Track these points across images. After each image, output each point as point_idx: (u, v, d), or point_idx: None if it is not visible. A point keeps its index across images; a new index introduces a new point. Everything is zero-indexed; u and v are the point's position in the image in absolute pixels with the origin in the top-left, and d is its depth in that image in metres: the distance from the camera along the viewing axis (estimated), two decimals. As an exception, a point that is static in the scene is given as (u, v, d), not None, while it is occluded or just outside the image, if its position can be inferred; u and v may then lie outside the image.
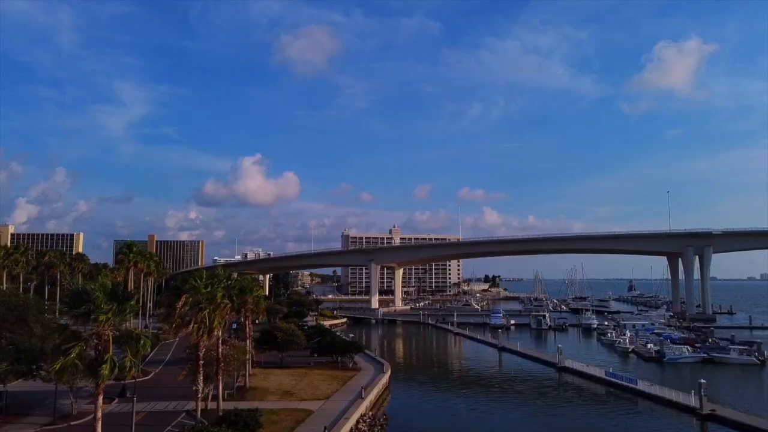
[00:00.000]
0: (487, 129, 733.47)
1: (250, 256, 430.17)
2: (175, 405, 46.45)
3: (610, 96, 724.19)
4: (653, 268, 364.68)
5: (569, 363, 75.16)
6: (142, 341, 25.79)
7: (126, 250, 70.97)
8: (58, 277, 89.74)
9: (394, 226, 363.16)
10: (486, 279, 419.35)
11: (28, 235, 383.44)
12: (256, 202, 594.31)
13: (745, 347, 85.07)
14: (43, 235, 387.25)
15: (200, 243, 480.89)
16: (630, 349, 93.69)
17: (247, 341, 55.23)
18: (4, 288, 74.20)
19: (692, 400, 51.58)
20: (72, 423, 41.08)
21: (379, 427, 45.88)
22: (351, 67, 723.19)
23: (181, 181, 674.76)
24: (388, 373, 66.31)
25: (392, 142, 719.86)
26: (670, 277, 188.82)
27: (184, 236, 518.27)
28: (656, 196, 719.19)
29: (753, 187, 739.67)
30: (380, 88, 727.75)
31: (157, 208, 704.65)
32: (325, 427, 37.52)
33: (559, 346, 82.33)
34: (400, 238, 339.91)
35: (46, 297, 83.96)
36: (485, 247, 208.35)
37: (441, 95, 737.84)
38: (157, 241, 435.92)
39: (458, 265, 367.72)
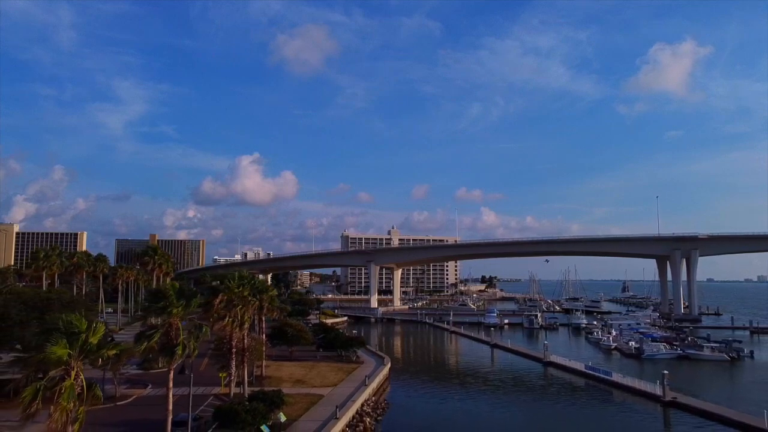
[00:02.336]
0: (486, 129, 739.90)
1: (250, 255, 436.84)
2: (202, 390, 53.06)
3: (609, 97, 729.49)
4: (645, 270, 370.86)
5: (554, 358, 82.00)
6: (203, 329, 32.27)
7: (152, 252, 77.55)
8: (84, 276, 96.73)
9: (392, 227, 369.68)
10: (483, 280, 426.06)
11: (33, 233, 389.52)
12: (254, 201, 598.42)
13: (717, 345, 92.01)
14: (46, 233, 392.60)
15: (201, 242, 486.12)
16: (613, 347, 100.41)
17: (263, 336, 61.83)
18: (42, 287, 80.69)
19: (657, 390, 58.25)
20: (118, 404, 47.73)
21: (380, 410, 52.64)
22: (350, 67, 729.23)
23: (178, 180, 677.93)
24: (388, 365, 73.07)
25: (391, 142, 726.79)
26: (659, 278, 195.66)
27: (182, 235, 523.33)
28: (655, 198, 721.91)
29: (752, 189, 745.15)
30: (380, 88, 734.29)
31: (154, 207, 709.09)
32: (336, 406, 44.24)
33: (546, 342, 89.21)
34: (399, 239, 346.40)
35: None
36: (482, 249, 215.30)
37: (440, 95, 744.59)
38: (158, 241, 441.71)
39: (455, 266, 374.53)
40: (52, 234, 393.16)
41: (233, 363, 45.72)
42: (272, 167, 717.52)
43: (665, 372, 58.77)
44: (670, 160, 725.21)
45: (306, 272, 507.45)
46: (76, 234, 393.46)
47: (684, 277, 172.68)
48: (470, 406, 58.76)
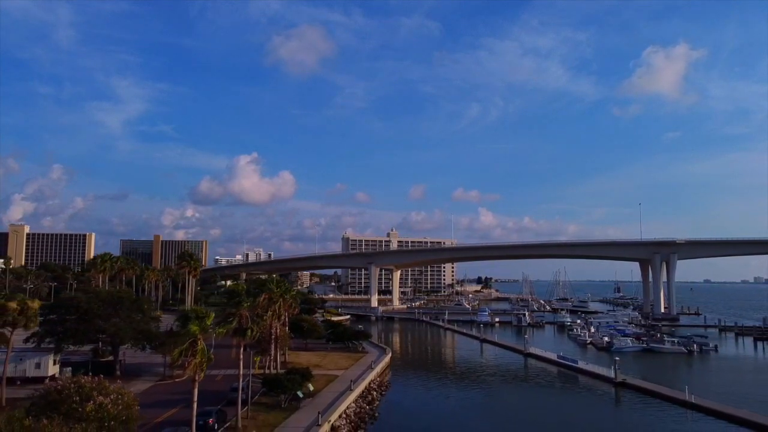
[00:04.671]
0: (485, 130, 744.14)
1: (251, 255, 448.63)
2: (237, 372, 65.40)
3: (608, 98, 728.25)
4: (633, 272, 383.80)
5: (533, 350, 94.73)
6: (264, 318, 44.34)
7: (188, 258, 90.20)
8: (123, 278, 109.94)
9: (392, 230, 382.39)
10: (479, 281, 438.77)
11: (43, 234, 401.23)
12: (252, 200, 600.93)
13: (676, 340, 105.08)
14: (56, 234, 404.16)
15: (203, 243, 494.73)
16: (588, 341, 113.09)
17: (286, 328, 74.11)
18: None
19: (611, 373, 70.77)
20: (176, 380, 60.10)
21: (384, 387, 65.19)
22: (350, 67, 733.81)
23: (176, 180, 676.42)
24: (389, 355, 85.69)
25: (389, 142, 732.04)
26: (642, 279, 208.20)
27: (180, 234, 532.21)
28: (653, 198, 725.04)
29: (751, 190, 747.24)
30: (379, 88, 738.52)
31: (152, 206, 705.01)
32: (351, 381, 56.72)
33: (526, 336, 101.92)
34: (398, 241, 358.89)
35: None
36: (477, 252, 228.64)
37: (439, 96, 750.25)
38: (161, 241, 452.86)
39: (452, 268, 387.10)
40: (61, 235, 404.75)
41: (272, 347, 58.05)
42: (270, 167, 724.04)
43: (617, 359, 71.72)
44: (669, 161, 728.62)
45: (306, 273, 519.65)
46: (84, 235, 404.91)
47: (666, 278, 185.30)
48: (460, 387, 71.40)
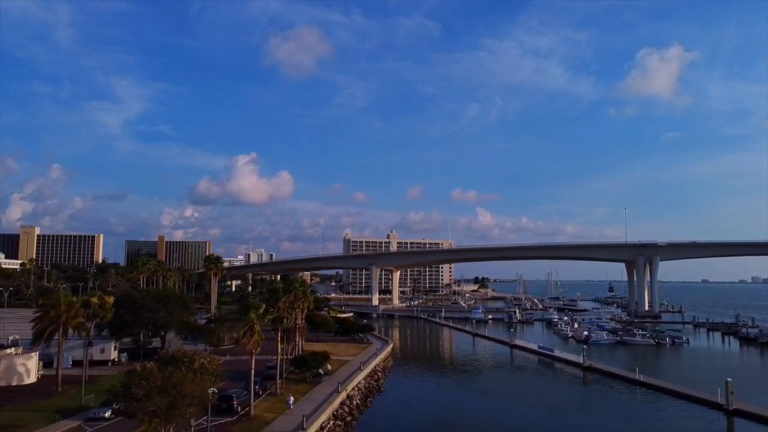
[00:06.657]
0: (484, 130, 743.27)
1: (253, 255, 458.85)
2: (266, 357, 77.46)
3: (606, 99, 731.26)
4: (623, 272, 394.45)
5: (517, 342, 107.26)
6: (294, 311, 56.52)
7: (215, 260, 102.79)
8: (156, 280, 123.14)
9: (391, 231, 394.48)
10: (476, 281, 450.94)
11: (52, 236, 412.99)
12: (251, 200, 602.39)
13: (647, 333, 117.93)
14: (65, 236, 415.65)
15: (207, 244, 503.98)
16: (570, 335, 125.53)
17: (303, 321, 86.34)
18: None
19: (581, 359, 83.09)
20: (215, 363, 72.15)
21: (388, 371, 77.52)
22: (349, 67, 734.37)
23: (175, 179, 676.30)
24: (391, 345, 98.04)
25: (388, 143, 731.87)
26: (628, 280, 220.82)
27: (179, 235, 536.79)
28: (653, 199, 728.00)
29: (750, 190, 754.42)
30: (378, 88, 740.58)
31: (151, 206, 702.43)
32: (360, 363, 69.00)
33: (511, 330, 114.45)
34: (397, 243, 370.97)
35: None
36: (473, 254, 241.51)
37: (439, 96, 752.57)
38: (165, 242, 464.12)
39: (450, 268, 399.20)
40: (69, 236, 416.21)
41: (297, 336, 70.35)
42: (269, 167, 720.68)
43: (584, 347, 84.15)
44: (669, 161, 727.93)
45: (307, 273, 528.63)
46: (93, 237, 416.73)
47: (649, 278, 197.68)
48: (452, 372, 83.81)
